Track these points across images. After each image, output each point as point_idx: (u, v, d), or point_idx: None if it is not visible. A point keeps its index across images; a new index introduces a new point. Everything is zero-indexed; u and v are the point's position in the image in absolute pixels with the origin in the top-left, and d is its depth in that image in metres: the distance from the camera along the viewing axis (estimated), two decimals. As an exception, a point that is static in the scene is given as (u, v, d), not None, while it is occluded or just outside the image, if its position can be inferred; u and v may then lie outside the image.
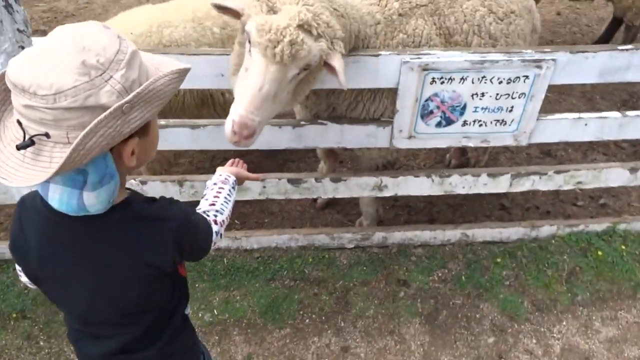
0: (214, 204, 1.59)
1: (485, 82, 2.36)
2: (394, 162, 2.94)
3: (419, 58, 2.26)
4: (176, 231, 1.28)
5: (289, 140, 2.51)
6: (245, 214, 3.32)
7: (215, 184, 1.69)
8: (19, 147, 1.01)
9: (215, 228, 1.51)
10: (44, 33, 4.31)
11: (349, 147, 2.58)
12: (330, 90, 2.37)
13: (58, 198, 1.12)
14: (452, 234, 3.05)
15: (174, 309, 1.50)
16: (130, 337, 1.42)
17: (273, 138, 2.49)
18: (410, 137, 2.52)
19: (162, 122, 2.43)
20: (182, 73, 1.17)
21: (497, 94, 2.40)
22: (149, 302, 1.39)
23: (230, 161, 1.87)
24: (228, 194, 1.66)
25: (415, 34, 2.41)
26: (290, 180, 2.69)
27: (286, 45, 1.85)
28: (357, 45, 2.25)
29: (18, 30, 1.93)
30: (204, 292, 2.78)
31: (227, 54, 2.19)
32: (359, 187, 2.75)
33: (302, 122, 2.47)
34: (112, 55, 1.04)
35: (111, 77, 1.03)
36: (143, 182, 2.60)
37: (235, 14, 2.00)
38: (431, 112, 2.44)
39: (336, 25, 2.00)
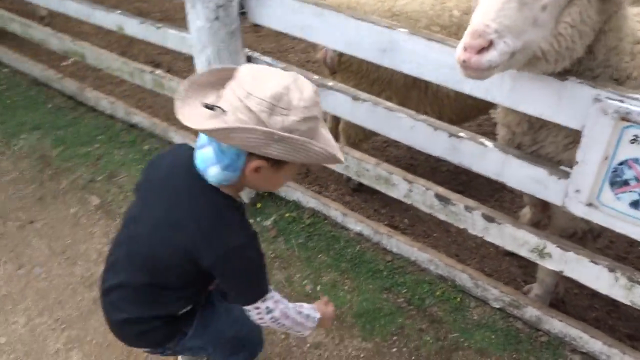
0: (285, 306, 1.63)
1: None
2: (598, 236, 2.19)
3: (619, 101, 1.57)
4: (238, 247, 1.47)
5: (443, 149, 2.13)
6: (421, 218, 3.02)
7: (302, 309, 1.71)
8: (207, 106, 1.36)
9: (270, 301, 1.57)
10: None
11: (510, 185, 2.03)
12: (541, 123, 1.90)
13: (201, 155, 1.44)
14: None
15: (175, 299, 1.65)
16: (132, 287, 1.62)
17: (426, 140, 2.16)
18: (589, 204, 1.82)
19: (330, 83, 2.37)
20: (329, 158, 1.42)
21: None
22: (167, 271, 1.56)
23: (325, 299, 1.86)
24: (306, 315, 1.69)
25: None
26: (437, 195, 2.30)
27: None
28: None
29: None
30: (320, 265, 2.71)
31: (392, 28, 1.96)
32: (513, 240, 2.16)
33: (460, 134, 2.05)
34: (301, 107, 1.31)
35: (287, 116, 1.30)
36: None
37: None
38: (626, 182, 1.69)
39: None
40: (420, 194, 2.36)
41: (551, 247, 2.06)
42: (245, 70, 1.35)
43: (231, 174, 1.42)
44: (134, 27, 3.05)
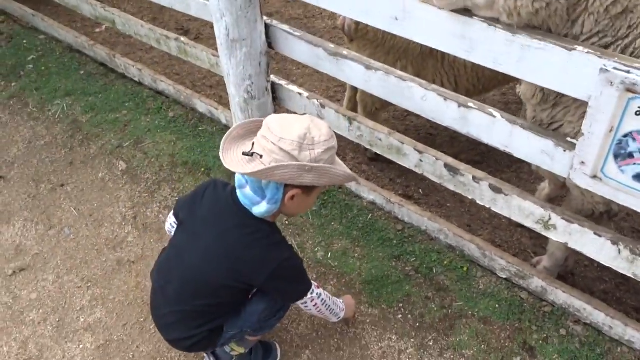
0: (324, 295, 2.03)
1: None
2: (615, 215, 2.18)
3: (626, 71, 1.55)
4: (285, 260, 1.79)
5: (452, 120, 2.14)
6: (436, 187, 3.04)
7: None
8: (245, 153, 1.68)
9: (315, 289, 1.97)
10: None
11: (517, 156, 2.03)
12: (555, 98, 1.93)
13: (242, 194, 1.77)
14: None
15: (224, 313, 1.94)
16: (186, 311, 1.90)
17: (437, 110, 2.17)
18: (594, 176, 1.81)
19: (345, 51, 2.40)
20: (349, 178, 1.77)
21: None
22: (216, 292, 1.85)
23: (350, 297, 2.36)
24: (335, 305, 2.11)
25: None
26: (446, 166, 2.32)
27: None
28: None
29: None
30: (333, 233, 2.77)
31: (404, -3, 1.96)
32: (520, 211, 2.17)
33: (469, 104, 2.06)
34: (322, 141, 1.65)
35: (313, 149, 1.63)
36: (322, 106, 2.66)
37: None
38: (630, 155, 1.68)
39: None
40: (430, 164, 2.38)
41: (556, 219, 2.07)
42: (272, 120, 1.66)
43: (274, 206, 1.73)
44: (159, -5, 3.12)
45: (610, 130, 1.67)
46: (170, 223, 2.12)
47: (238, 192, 1.79)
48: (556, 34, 1.77)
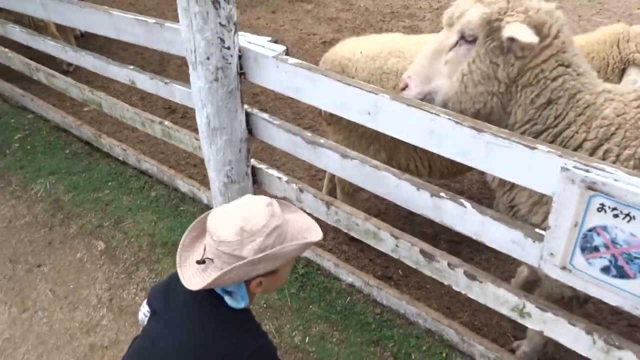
0: None
1: (686, 243, 1.53)
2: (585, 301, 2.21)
3: (585, 170, 1.63)
4: (260, 347, 1.72)
5: (426, 208, 2.19)
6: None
7: None
8: (198, 262, 1.63)
9: None
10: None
11: (490, 245, 2.07)
12: (503, 182, 2.08)
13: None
14: None
15: None
16: None
17: (410, 198, 2.23)
18: (564, 268, 1.85)
19: (321, 140, 2.48)
20: (306, 246, 1.68)
21: None
22: None
23: None
24: None
25: None
26: (422, 251, 2.36)
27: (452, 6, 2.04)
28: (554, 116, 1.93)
29: (220, 24, 2.30)
30: (311, 317, 2.75)
31: (376, 93, 2.06)
32: (495, 298, 2.19)
33: (441, 194, 2.12)
34: (260, 228, 1.56)
35: (254, 240, 1.55)
36: (300, 190, 2.72)
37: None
38: (596, 249, 1.73)
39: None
40: (406, 249, 2.41)
41: (530, 307, 2.09)
42: (210, 221, 1.61)
43: (243, 302, 1.69)
44: (144, 82, 3.23)
45: (575, 225, 1.73)
46: (144, 312, 2.09)
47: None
48: (502, 123, 2.00)
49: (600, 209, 1.66)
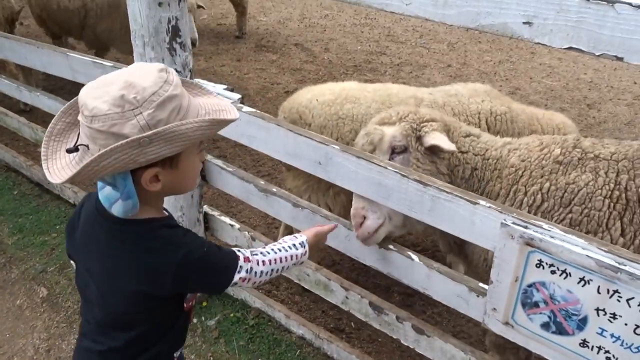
0: (264, 248, 1.62)
1: (618, 300, 1.56)
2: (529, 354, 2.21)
3: (524, 226, 1.67)
4: (182, 259, 1.35)
5: (375, 260, 2.20)
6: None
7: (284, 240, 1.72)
8: (68, 151, 1.25)
9: (244, 264, 1.49)
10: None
11: (436, 299, 2.08)
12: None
13: (103, 197, 1.35)
14: None
15: (155, 340, 1.48)
16: (107, 348, 1.46)
17: (360, 250, 2.23)
18: (506, 323, 1.86)
19: (274, 188, 2.48)
20: (215, 123, 1.29)
21: (638, 326, 1.56)
22: (134, 320, 1.42)
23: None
24: (288, 247, 1.67)
25: (568, 188, 1.95)
26: (371, 304, 2.34)
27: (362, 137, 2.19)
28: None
29: (175, 70, 2.32)
30: (259, 370, 2.68)
31: (326, 144, 2.09)
32: (442, 353, 2.17)
33: (390, 247, 2.13)
34: (148, 96, 1.18)
35: (140, 113, 1.17)
36: (253, 238, 2.69)
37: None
38: (536, 304, 1.76)
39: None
40: (356, 301, 2.40)
41: (479, 364, 2.08)
42: (82, 94, 1.22)
43: (130, 202, 1.30)
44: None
45: (516, 280, 1.75)
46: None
47: (100, 195, 1.37)
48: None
49: (538, 265, 1.69)
